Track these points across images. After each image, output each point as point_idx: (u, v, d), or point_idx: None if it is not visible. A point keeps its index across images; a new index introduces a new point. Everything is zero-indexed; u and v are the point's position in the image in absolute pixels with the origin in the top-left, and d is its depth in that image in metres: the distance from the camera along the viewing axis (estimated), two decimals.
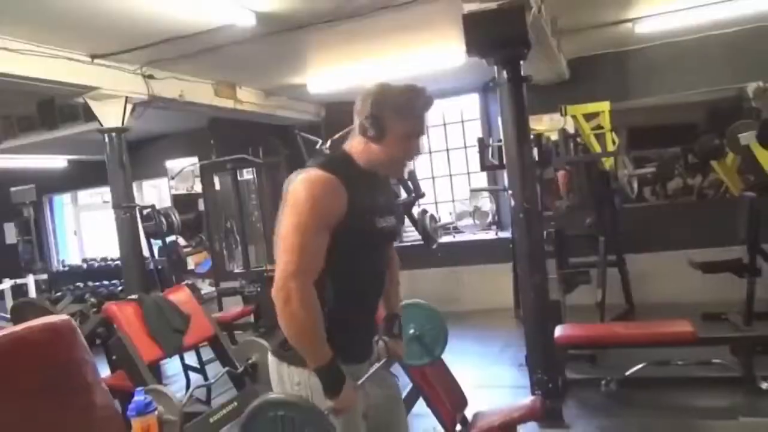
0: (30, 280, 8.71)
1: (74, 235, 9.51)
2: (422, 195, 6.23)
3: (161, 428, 3.24)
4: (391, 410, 1.91)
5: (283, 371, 1.72)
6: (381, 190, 1.82)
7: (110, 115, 4.59)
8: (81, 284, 8.47)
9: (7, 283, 8.63)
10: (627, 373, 3.99)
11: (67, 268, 9.20)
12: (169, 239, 5.22)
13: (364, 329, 1.86)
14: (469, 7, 3.36)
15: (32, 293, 8.65)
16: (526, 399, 2.72)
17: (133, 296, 3.66)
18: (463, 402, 2.75)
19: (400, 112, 1.69)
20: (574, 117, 5.47)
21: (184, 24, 3.94)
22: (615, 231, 5.77)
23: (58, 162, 8.16)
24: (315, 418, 1.50)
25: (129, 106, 4.68)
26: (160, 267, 5.41)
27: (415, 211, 6.45)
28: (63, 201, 9.60)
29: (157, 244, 5.55)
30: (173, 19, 3.86)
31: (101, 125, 4.64)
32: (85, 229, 9.48)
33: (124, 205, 4.69)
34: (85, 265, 8.91)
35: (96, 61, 4.35)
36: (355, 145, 1.76)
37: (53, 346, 1.44)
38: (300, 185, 1.64)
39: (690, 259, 5.36)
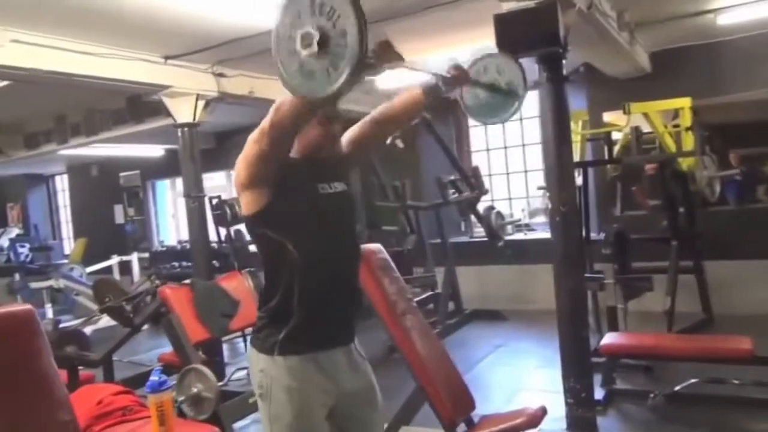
0: (134, 258, 9.55)
1: (172, 218, 10.29)
2: (485, 192, 6.20)
3: (200, 404, 3.54)
4: (365, 400, 1.93)
5: (253, 356, 1.86)
6: (325, 164, 1.90)
7: (183, 111, 4.97)
8: (176, 263, 9.17)
9: (115, 259, 9.54)
10: (676, 388, 3.79)
11: (164, 249, 9.98)
12: (234, 228, 5.56)
13: (337, 310, 1.87)
14: (507, 6, 3.32)
15: (135, 269, 9.51)
16: (531, 406, 2.68)
17: (187, 281, 3.97)
18: (468, 404, 2.76)
19: None
20: (645, 114, 5.17)
21: (240, 27, 4.17)
22: (692, 235, 5.42)
23: (156, 151, 8.86)
24: None
25: (200, 103, 5.03)
26: (227, 253, 5.79)
27: (481, 207, 6.43)
28: (165, 186, 10.39)
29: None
30: (231, 23, 4.10)
31: (175, 121, 5.03)
32: (181, 213, 10.22)
33: (193, 195, 5.06)
34: (179, 246, 9.61)
35: (169, 61, 4.72)
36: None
37: (13, 332, 1.66)
38: None
39: None
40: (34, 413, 1.64)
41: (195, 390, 3.47)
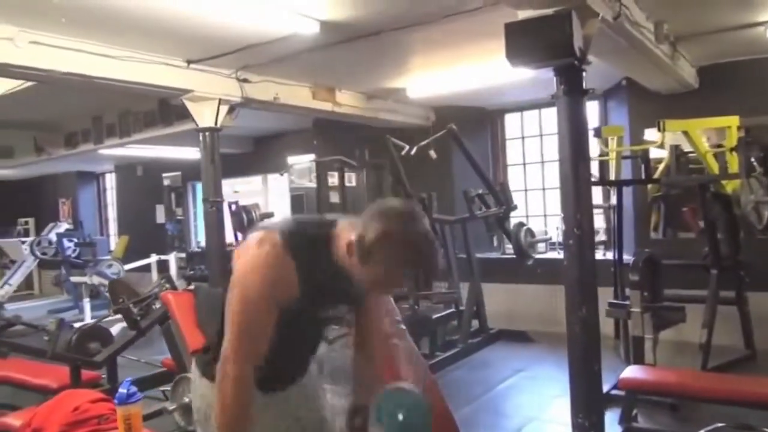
0: (172, 257, 9.70)
1: None
2: (513, 207, 5.96)
3: (191, 414, 3.47)
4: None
5: (197, 378, 1.77)
6: (340, 279, 1.57)
7: (205, 115, 4.96)
8: None
9: (154, 258, 9.72)
10: None
11: (199, 249, 10.09)
12: None
13: (298, 365, 1.81)
14: (523, 15, 3.13)
15: (173, 269, 9.64)
16: None
17: (191, 287, 3.92)
18: None
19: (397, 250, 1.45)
20: (685, 133, 4.83)
21: (259, 33, 4.13)
22: (735, 263, 5.03)
23: (194, 153, 8.95)
24: None
25: (223, 108, 5.01)
26: None
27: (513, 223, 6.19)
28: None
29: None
30: (254, 28, 4.04)
31: (197, 125, 5.03)
32: None
33: (211, 200, 5.05)
34: None
35: (191, 65, 4.72)
36: (344, 237, 1.52)
37: None
38: (251, 253, 1.52)
39: None
40: None
41: (187, 399, 3.41)
